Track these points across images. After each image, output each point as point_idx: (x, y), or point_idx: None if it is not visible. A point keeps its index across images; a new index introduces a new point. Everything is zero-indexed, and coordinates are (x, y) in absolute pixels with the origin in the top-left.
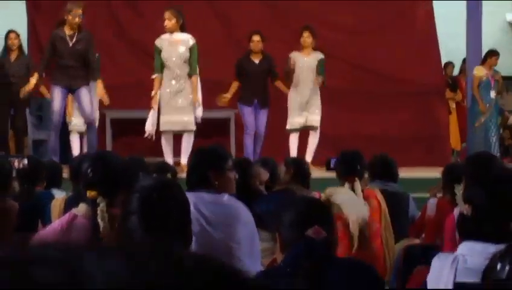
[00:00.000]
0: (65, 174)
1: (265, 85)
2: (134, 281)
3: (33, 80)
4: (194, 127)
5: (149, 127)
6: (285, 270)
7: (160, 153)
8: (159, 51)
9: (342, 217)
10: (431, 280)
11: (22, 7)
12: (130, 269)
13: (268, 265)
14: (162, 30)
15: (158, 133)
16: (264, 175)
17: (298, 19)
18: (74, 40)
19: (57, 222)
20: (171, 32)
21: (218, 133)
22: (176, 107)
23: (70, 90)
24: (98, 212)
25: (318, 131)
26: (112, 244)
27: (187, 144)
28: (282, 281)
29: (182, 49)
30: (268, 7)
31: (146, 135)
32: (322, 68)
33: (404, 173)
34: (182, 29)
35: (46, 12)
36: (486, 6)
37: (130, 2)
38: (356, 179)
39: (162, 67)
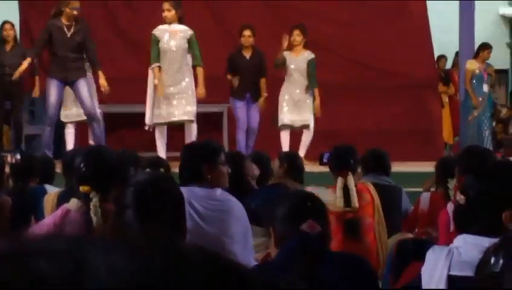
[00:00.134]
0: (58, 169)
1: (256, 80)
2: (138, 274)
3: (25, 63)
4: (193, 118)
5: (149, 120)
6: (280, 265)
7: (153, 148)
8: (157, 41)
9: (335, 212)
10: (425, 273)
11: (14, 4)
12: (134, 262)
13: (262, 260)
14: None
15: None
16: (255, 170)
17: (294, 15)
18: (72, 30)
19: (50, 217)
20: (170, 23)
21: (211, 127)
22: (174, 98)
23: (67, 82)
24: (91, 207)
25: (312, 128)
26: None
27: (190, 134)
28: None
29: (181, 40)
30: (264, 4)
31: (146, 128)
32: (312, 68)
33: (396, 167)
34: (180, 21)
35: (38, 10)
36: (479, 0)
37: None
38: (349, 173)
39: (159, 57)
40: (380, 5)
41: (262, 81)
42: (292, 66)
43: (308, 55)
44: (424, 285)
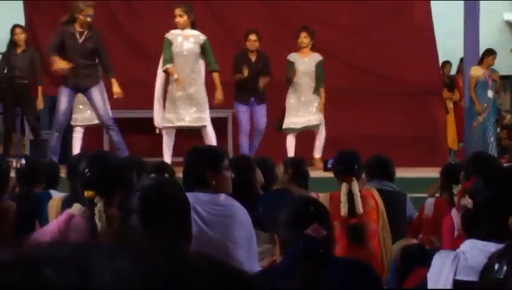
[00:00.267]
0: (63, 174)
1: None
2: (143, 280)
3: (56, 60)
4: (205, 123)
5: (159, 123)
6: (284, 270)
7: (157, 153)
8: (170, 44)
9: (339, 217)
10: (431, 277)
11: (19, 7)
12: (139, 268)
13: (267, 267)
14: (159, 29)
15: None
16: (261, 177)
17: (296, 19)
18: (84, 37)
19: (54, 223)
20: (183, 28)
21: (215, 132)
22: (183, 102)
23: (79, 89)
24: (96, 212)
25: (323, 128)
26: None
27: (209, 140)
28: (280, 281)
29: (193, 45)
30: (267, 7)
31: (158, 131)
32: (320, 70)
33: (401, 172)
34: (193, 26)
35: (43, 12)
36: (484, 6)
37: (128, 2)
38: (354, 179)
39: (171, 60)
40: (384, 9)
41: (264, 79)
42: (300, 68)
43: (317, 57)
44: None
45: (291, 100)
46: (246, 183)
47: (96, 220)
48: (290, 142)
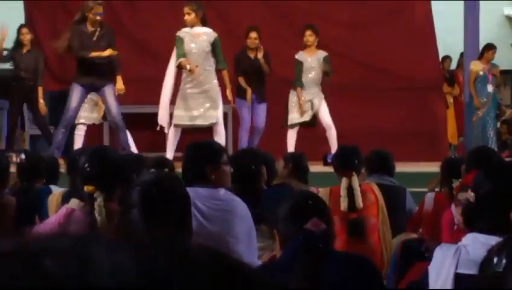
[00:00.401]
0: (63, 169)
1: (262, 81)
2: (143, 272)
3: (96, 54)
4: (216, 120)
5: (164, 121)
6: (284, 265)
7: (157, 148)
8: (181, 41)
9: (339, 212)
10: (432, 270)
11: (19, 4)
12: (139, 261)
13: (267, 262)
14: (162, 28)
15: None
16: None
17: (297, 16)
18: (97, 35)
19: (54, 217)
20: (192, 26)
21: None
22: (199, 99)
23: (93, 88)
24: (96, 207)
25: (332, 124)
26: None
27: (219, 137)
28: (280, 275)
29: (203, 42)
30: (267, 5)
31: (159, 128)
32: (327, 65)
33: (401, 167)
34: (204, 23)
35: (43, 10)
36: (484, 0)
37: (131, 2)
38: (354, 173)
39: (185, 56)
40: (384, 5)
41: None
42: (307, 65)
43: (322, 53)
44: (431, 282)
45: (294, 97)
46: (252, 178)
47: (96, 215)
48: (291, 137)
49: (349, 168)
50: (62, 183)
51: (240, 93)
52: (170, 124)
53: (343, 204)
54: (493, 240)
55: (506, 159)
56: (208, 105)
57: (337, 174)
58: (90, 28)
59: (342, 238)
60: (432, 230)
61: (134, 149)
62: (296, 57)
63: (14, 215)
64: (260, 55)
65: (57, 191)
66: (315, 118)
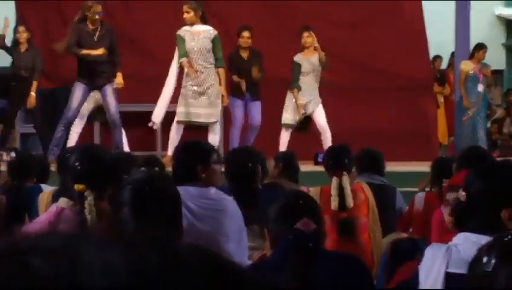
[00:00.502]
0: (53, 167)
1: (255, 79)
2: (134, 271)
3: (86, 52)
4: (216, 119)
5: (158, 118)
6: (274, 264)
7: (147, 147)
8: (182, 40)
9: (329, 211)
10: (423, 270)
11: (11, 4)
12: (130, 260)
13: (257, 261)
14: (156, 27)
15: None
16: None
17: (290, 16)
18: (98, 34)
19: (44, 215)
20: (191, 24)
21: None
22: (198, 99)
23: (94, 87)
24: (86, 205)
25: (327, 128)
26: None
27: (214, 135)
28: (270, 275)
29: (204, 40)
30: (261, 6)
31: (150, 124)
32: (325, 62)
33: (392, 166)
34: (204, 21)
35: (35, 10)
36: (474, 0)
37: (125, 2)
38: (344, 173)
39: (186, 55)
40: (375, 6)
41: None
42: (304, 68)
43: (319, 53)
44: (422, 282)
45: (290, 98)
46: (249, 176)
47: (87, 214)
48: (284, 137)
49: (340, 168)
50: (52, 182)
51: (233, 91)
52: (163, 122)
53: (334, 203)
54: (484, 239)
55: (498, 159)
56: (208, 103)
57: (328, 174)
58: (90, 27)
59: (332, 238)
60: (422, 230)
61: (126, 148)
62: (294, 58)
63: (4, 214)
64: (255, 74)
65: (47, 189)
66: (309, 122)
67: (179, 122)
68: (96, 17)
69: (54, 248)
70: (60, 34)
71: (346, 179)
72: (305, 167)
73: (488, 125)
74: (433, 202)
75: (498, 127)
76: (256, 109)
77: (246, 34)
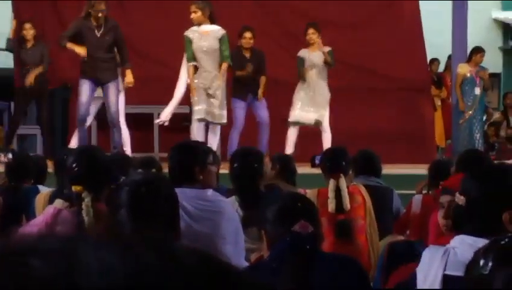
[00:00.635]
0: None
1: (257, 80)
2: (131, 273)
3: (72, 45)
4: (224, 120)
5: (166, 116)
6: (271, 266)
7: (145, 148)
8: (190, 42)
9: (327, 213)
10: (420, 272)
11: (7, 4)
12: (127, 261)
13: (253, 262)
14: (151, 28)
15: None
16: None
17: (286, 16)
18: (102, 30)
19: (42, 216)
20: (199, 24)
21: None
22: (210, 100)
23: (98, 83)
24: (83, 207)
25: (328, 128)
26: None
27: (215, 136)
28: (267, 277)
29: (212, 40)
30: (258, 6)
31: (157, 121)
32: (331, 55)
33: (389, 169)
34: (212, 20)
35: (32, 9)
36: (472, 3)
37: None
38: (341, 175)
39: (193, 57)
40: (372, 8)
41: (262, 79)
42: (309, 62)
43: (326, 48)
44: (419, 284)
45: (299, 94)
46: (253, 177)
47: (84, 215)
48: (292, 135)
49: (337, 170)
50: (49, 184)
51: (235, 92)
52: (160, 124)
53: (331, 205)
54: (481, 242)
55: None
56: (218, 104)
57: (325, 176)
58: (94, 24)
59: (329, 240)
60: (419, 232)
61: (128, 149)
62: (298, 54)
63: (1, 215)
64: (261, 92)
65: (44, 191)
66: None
67: (199, 120)
68: (99, 14)
69: (51, 249)
70: (57, 34)
71: (343, 181)
72: (302, 169)
73: (485, 128)
74: (430, 205)
75: (495, 130)
76: (262, 107)
77: (248, 34)
